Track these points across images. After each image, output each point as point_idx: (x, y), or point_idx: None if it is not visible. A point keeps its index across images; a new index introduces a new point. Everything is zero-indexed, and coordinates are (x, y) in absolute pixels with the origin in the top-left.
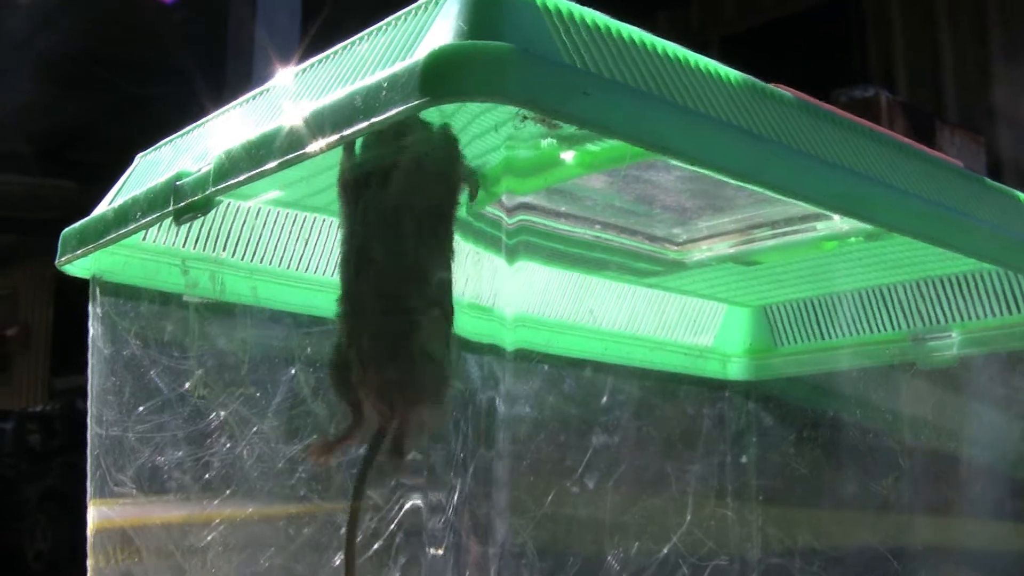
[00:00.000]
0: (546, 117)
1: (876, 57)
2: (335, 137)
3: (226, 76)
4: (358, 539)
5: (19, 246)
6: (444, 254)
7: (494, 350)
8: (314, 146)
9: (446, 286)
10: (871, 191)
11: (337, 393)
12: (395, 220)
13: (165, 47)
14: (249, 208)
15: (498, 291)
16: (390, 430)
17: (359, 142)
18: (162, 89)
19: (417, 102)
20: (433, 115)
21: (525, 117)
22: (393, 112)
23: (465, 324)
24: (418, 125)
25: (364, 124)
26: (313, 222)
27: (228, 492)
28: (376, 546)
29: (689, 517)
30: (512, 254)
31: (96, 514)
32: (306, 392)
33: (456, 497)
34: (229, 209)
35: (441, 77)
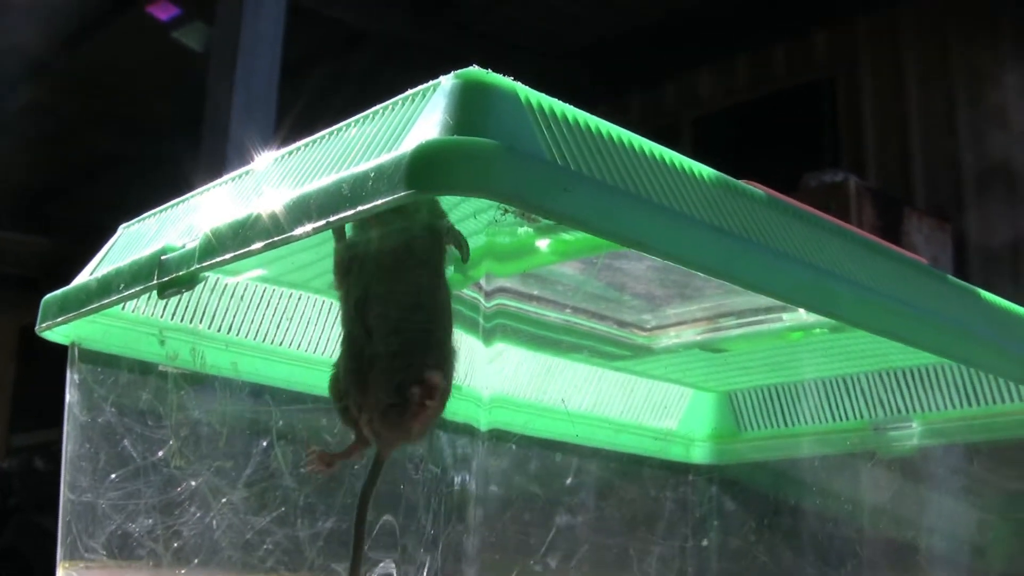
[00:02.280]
0: (527, 212)
1: (847, 142)
2: (321, 223)
3: (201, 140)
4: None
5: None
6: (441, 294)
7: (469, 429)
8: (300, 230)
9: (447, 317)
10: (835, 287)
11: (341, 418)
12: (390, 270)
13: (140, 108)
14: (227, 284)
15: (473, 372)
16: (387, 455)
17: None
18: (135, 150)
19: (403, 193)
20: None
21: (506, 210)
22: (379, 202)
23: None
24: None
25: (350, 212)
26: (291, 297)
27: (196, 561)
28: None
29: None
30: (489, 336)
31: None
32: (276, 465)
33: (425, 573)
34: (209, 283)
35: (428, 170)
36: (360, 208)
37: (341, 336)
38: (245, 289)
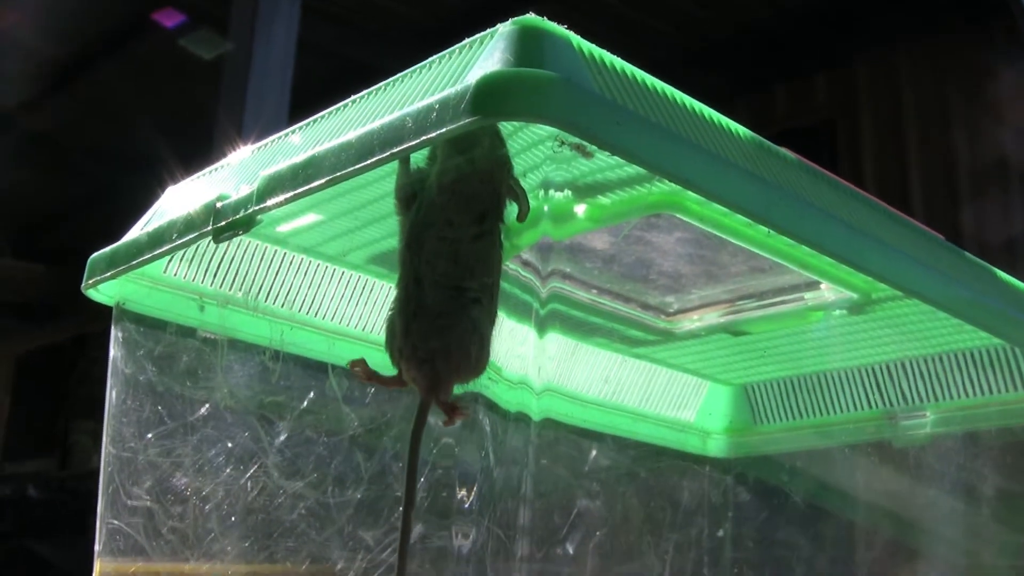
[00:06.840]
0: (582, 142)
1: (847, 180)
2: (385, 154)
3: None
4: None
5: None
6: (493, 253)
7: (521, 418)
8: (364, 163)
9: (493, 282)
10: (865, 240)
11: (390, 357)
12: (447, 218)
13: (138, 141)
14: (267, 249)
15: (525, 359)
16: (430, 400)
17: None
18: (134, 180)
19: (467, 120)
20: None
21: (563, 142)
22: (443, 131)
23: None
24: (474, 139)
25: (414, 142)
26: (326, 270)
27: (232, 520)
28: None
29: None
30: (543, 326)
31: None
32: (311, 433)
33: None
34: (250, 249)
35: (492, 97)
36: (424, 138)
37: (398, 275)
38: (283, 257)
